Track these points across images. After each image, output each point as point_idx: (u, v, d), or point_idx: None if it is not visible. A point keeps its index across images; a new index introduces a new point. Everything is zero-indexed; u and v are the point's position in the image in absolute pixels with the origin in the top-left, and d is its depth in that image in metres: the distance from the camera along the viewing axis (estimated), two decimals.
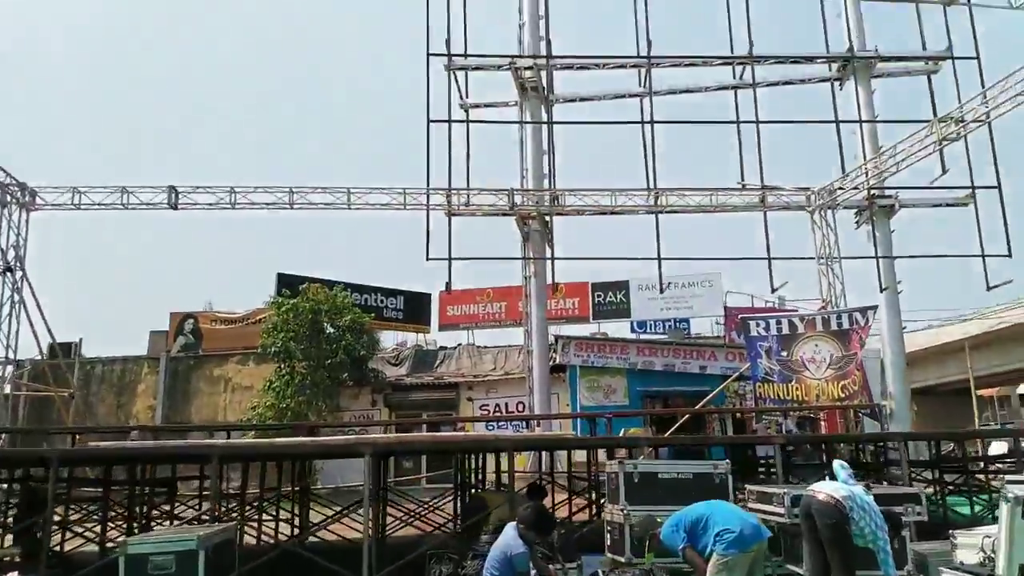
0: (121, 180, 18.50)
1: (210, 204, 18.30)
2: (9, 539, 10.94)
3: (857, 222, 19.15)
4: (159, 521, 11.53)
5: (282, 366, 21.88)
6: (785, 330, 15.71)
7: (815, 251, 18.19)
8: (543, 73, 21.05)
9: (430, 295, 28.89)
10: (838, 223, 18.42)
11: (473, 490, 13.76)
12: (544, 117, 21.65)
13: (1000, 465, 14.02)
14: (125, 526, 10.78)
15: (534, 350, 21.35)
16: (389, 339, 28.19)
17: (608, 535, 7.90)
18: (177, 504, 11.77)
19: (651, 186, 19.69)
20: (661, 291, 20.07)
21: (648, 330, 28.82)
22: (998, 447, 19.51)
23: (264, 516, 11.47)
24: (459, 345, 26.83)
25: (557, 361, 22.27)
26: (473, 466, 14.08)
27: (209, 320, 25.82)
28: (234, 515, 9.60)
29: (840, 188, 17.88)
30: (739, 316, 18.62)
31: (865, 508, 6.11)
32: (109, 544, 10.53)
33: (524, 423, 21.25)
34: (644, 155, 19.75)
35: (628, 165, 51.95)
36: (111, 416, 22.81)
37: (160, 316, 26.80)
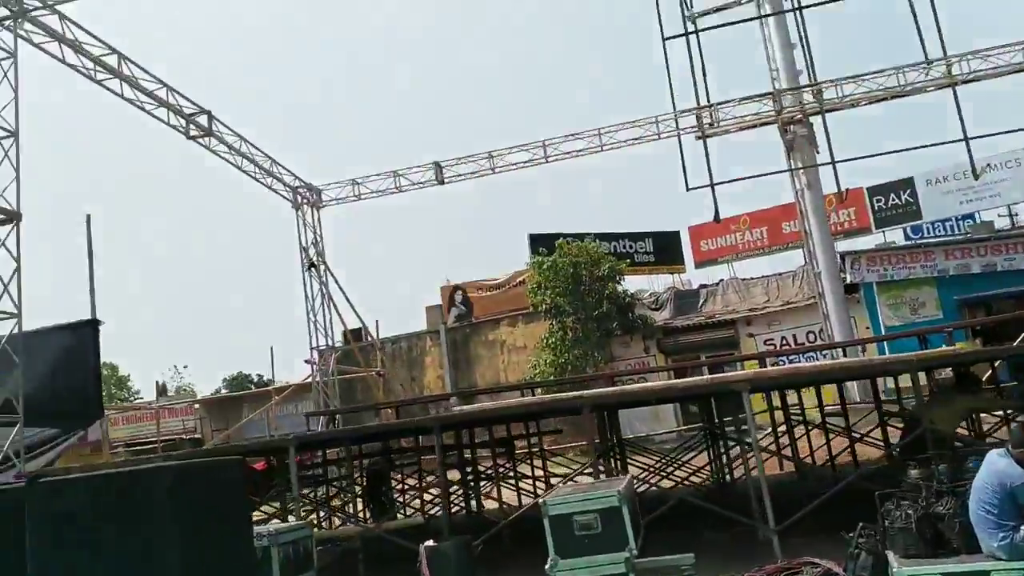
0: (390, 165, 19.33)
1: (472, 172, 18.51)
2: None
3: None
4: (506, 479, 11.66)
5: (554, 323, 21.91)
6: None
7: None
8: None
9: (679, 233, 27.56)
10: None
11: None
12: (785, 5, 19.84)
13: None
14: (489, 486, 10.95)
15: (821, 270, 19.44)
16: (641, 284, 27.31)
17: None
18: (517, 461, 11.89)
19: (941, 55, 16.71)
20: (976, 176, 17.00)
21: (925, 234, 25.19)
22: None
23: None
24: (721, 281, 25.24)
25: (847, 280, 20.05)
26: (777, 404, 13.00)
27: (475, 288, 26.68)
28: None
29: None
30: None
31: None
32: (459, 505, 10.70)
33: (820, 353, 19.33)
34: (915, 22, 16.69)
35: (890, 49, 45.27)
36: (407, 390, 24.35)
37: (430, 291, 28.14)
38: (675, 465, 13.09)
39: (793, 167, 19.46)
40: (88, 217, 13.21)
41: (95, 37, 13.46)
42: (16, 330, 10.63)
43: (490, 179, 19.00)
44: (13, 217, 11.10)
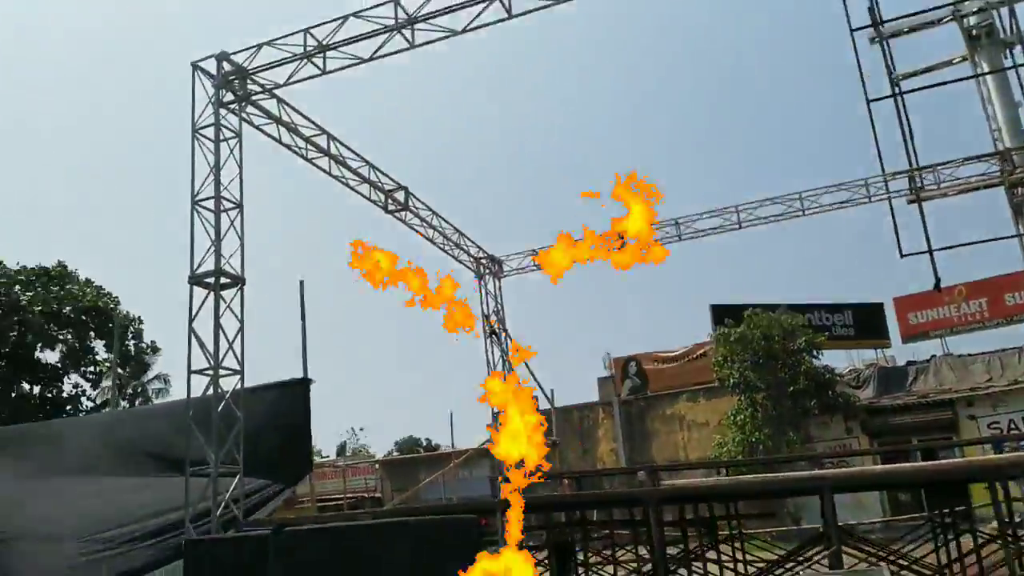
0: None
1: (658, 240, 18.11)
2: None
3: None
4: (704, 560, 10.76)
5: (742, 399, 20.57)
6: None
7: None
8: (995, 13, 17.82)
9: (882, 304, 25.32)
10: None
11: None
12: (1006, 63, 18.16)
13: None
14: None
15: None
16: (839, 359, 25.13)
17: None
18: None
19: None
20: None
21: None
22: None
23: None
24: (933, 357, 22.71)
25: None
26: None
27: (650, 360, 25.83)
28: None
29: None
30: None
31: None
32: None
33: None
34: None
35: None
36: (579, 461, 23.77)
37: (599, 360, 27.48)
38: (901, 558, 11.49)
39: (1022, 232, 17.39)
40: (301, 283, 14.02)
41: (308, 118, 14.48)
42: (239, 386, 11.41)
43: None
44: (238, 281, 12.08)
